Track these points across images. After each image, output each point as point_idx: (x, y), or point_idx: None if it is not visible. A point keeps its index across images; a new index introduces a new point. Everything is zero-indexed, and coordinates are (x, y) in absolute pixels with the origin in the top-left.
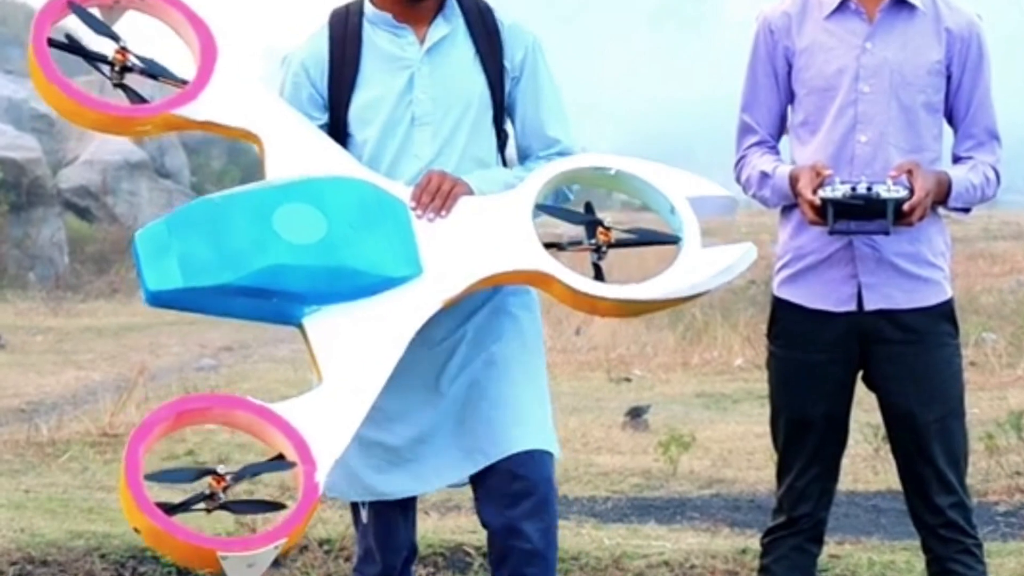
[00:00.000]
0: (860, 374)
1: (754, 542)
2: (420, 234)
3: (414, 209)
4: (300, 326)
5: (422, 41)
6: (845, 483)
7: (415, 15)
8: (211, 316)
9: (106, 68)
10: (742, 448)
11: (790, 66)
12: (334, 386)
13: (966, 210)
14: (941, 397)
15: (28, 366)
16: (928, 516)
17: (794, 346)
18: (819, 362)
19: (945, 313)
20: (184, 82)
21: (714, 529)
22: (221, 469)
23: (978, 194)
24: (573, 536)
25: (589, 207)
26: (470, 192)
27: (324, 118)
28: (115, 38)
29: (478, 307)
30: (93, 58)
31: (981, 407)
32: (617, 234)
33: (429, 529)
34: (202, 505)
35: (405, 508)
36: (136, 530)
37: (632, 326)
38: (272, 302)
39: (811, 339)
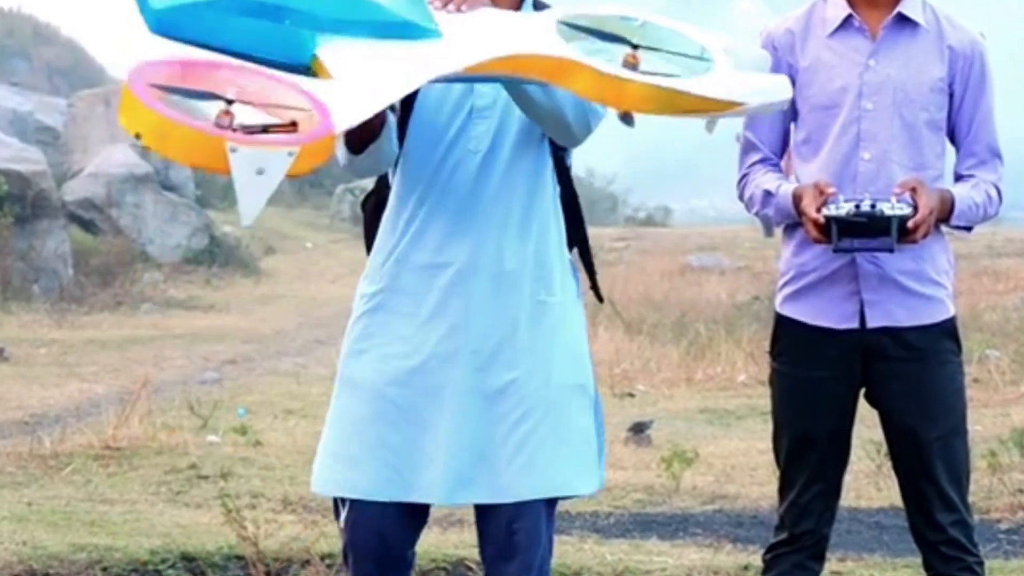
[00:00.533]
0: (863, 391)
1: (756, 558)
2: (441, 18)
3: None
4: (311, 63)
5: None
6: (847, 499)
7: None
8: (212, 51)
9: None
10: (745, 464)
11: (793, 83)
12: (349, 80)
13: (968, 228)
14: (943, 415)
15: (32, 378)
16: (930, 533)
17: (797, 363)
18: (821, 379)
19: (948, 331)
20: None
21: (717, 545)
22: (234, 106)
23: (980, 212)
24: (575, 552)
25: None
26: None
27: None
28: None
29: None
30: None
31: (984, 424)
32: (647, 66)
33: (431, 543)
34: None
35: (394, 514)
36: (137, 136)
37: (636, 341)
38: (283, 25)
39: (814, 356)
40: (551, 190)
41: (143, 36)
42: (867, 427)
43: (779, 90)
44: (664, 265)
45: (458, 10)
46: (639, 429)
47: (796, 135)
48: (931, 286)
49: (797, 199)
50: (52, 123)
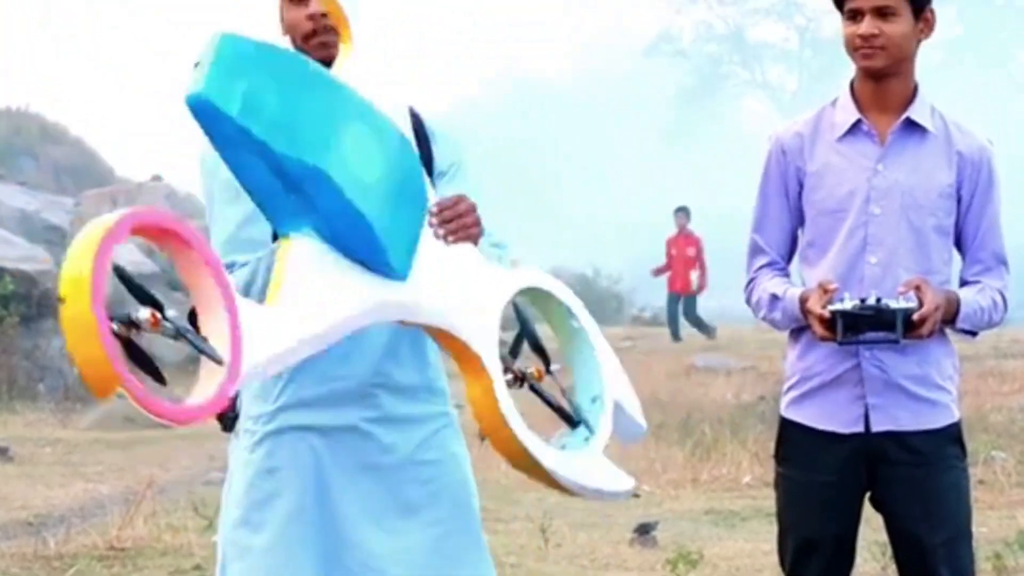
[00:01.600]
0: (867, 495)
1: None
2: (423, 242)
3: (432, 215)
4: (281, 237)
5: None
6: None
7: None
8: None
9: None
10: (750, 566)
11: (801, 187)
12: (287, 306)
13: (973, 333)
14: (948, 520)
15: (36, 478)
16: None
17: (802, 467)
18: (827, 483)
19: (953, 435)
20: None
21: None
22: (168, 313)
23: (986, 317)
24: None
25: (538, 347)
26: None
27: None
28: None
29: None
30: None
31: (990, 526)
32: (543, 384)
33: None
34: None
35: None
36: (60, 299)
37: (641, 441)
38: (290, 199)
39: (819, 460)
40: None
41: (149, 137)
42: (872, 529)
43: (622, 487)
44: (669, 365)
45: (444, 240)
46: (644, 530)
47: (803, 238)
48: (936, 391)
49: (803, 301)
50: (59, 222)
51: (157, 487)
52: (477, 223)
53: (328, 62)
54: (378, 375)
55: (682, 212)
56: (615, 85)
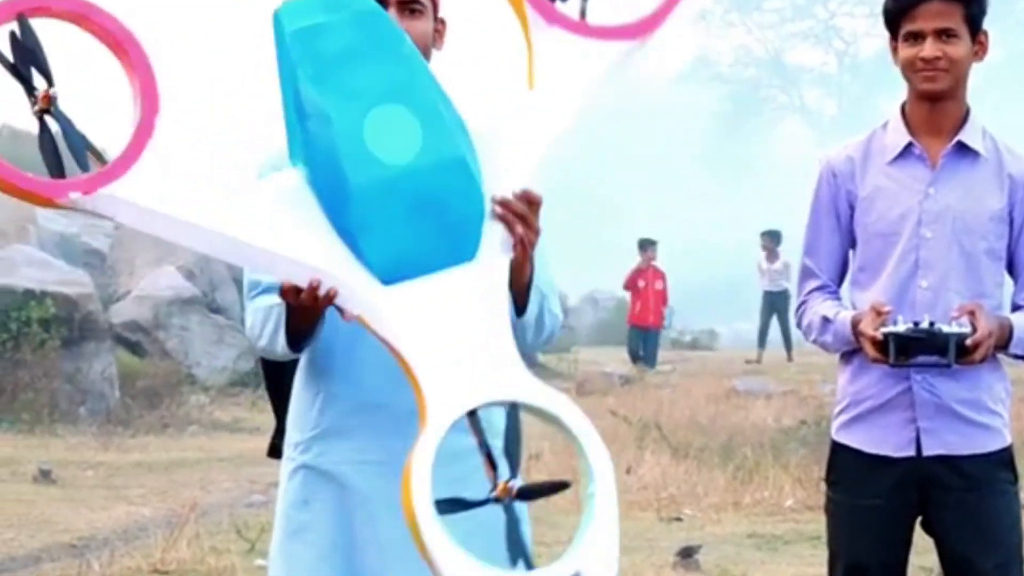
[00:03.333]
0: (919, 519)
1: None
2: (443, 275)
3: (496, 200)
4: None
5: None
6: None
7: None
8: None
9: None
10: None
11: (852, 210)
12: (220, 176)
13: None
14: (1000, 545)
15: (79, 501)
16: None
17: (852, 491)
18: (877, 507)
19: (1004, 460)
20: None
21: None
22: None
23: None
24: None
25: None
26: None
27: None
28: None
29: None
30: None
31: None
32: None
33: None
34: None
35: None
36: None
37: (683, 465)
38: (299, 132)
39: (870, 484)
40: None
41: None
42: (916, 553)
43: None
44: (710, 389)
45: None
46: (687, 554)
47: (854, 262)
48: (987, 415)
49: (855, 323)
50: (99, 246)
51: (200, 510)
52: (536, 229)
53: None
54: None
55: (651, 246)
56: (653, 109)
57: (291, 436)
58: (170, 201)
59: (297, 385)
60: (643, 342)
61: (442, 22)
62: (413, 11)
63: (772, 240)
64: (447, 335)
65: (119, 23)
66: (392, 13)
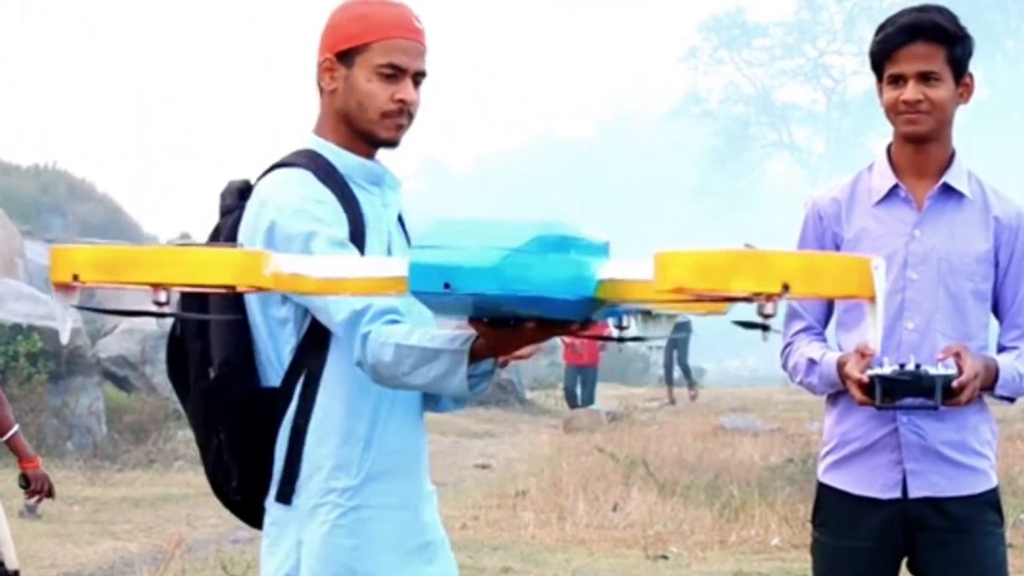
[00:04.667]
0: (904, 561)
1: None
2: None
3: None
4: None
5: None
6: None
7: None
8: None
9: None
10: None
11: (838, 251)
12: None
13: (1011, 400)
14: None
15: (65, 536)
16: None
17: (839, 533)
18: (864, 549)
19: (990, 502)
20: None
21: None
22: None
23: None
24: None
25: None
26: None
27: None
28: None
29: None
30: None
31: None
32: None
33: None
34: None
35: None
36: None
37: (669, 503)
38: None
39: (856, 526)
40: None
41: (176, 194)
42: None
43: None
44: (697, 426)
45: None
46: None
47: (839, 303)
48: (974, 457)
49: (840, 365)
50: None
51: (186, 545)
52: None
53: (390, 143)
54: (423, 448)
55: None
56: (643, 145)
57: (334, 482)
58: None
59: (333, 428)
60: (581, 381)
61: None
62: (418, 84)
63: None
64: None
65: None
66: (407, 83)
